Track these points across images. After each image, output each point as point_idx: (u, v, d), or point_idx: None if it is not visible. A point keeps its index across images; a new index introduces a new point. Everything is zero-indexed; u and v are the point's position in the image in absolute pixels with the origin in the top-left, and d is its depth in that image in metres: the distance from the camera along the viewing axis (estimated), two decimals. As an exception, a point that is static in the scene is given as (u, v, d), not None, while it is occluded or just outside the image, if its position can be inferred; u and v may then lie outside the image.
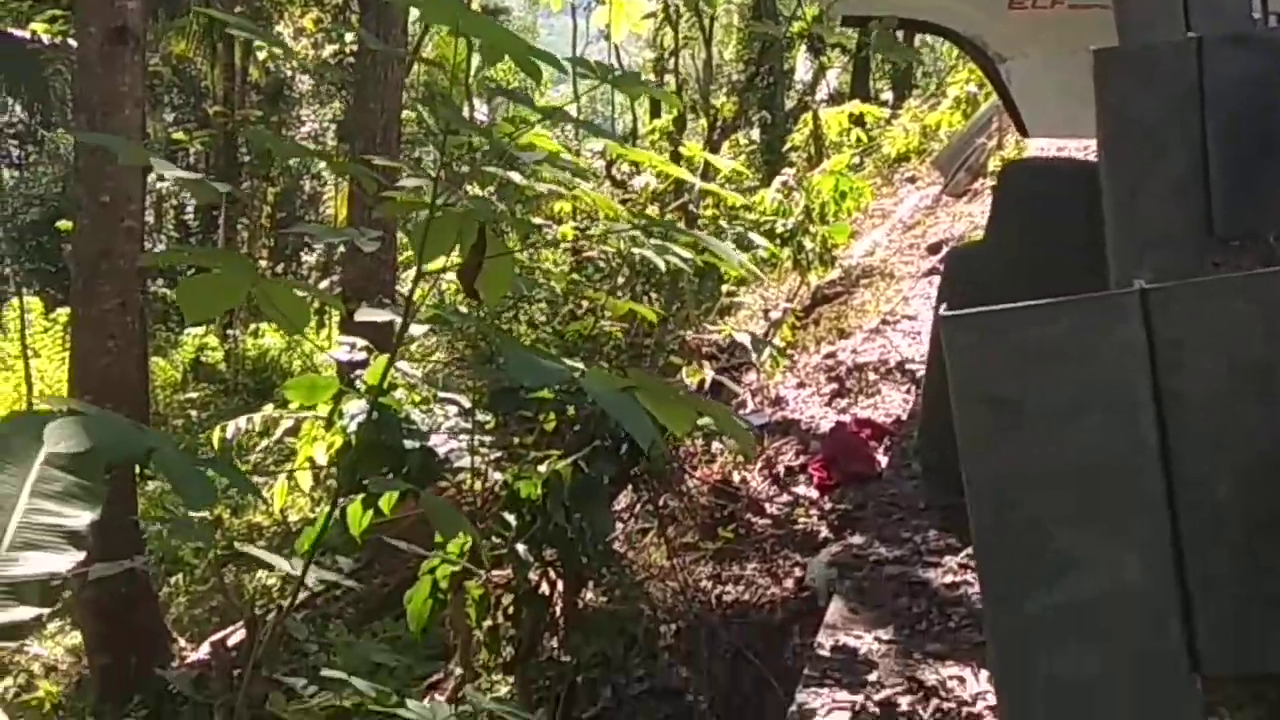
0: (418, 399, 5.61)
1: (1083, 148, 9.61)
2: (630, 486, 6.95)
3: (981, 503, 2.17)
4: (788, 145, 21.95)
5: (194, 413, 21.22)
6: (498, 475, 5.69)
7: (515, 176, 3.94)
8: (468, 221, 3.40)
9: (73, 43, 11.81)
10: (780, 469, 7.43)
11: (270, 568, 4.74)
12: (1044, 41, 7.84)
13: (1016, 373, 2.12)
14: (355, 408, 5.24)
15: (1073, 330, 2.11)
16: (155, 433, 3.47)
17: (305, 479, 6.43)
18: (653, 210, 10.03)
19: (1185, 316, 2.12)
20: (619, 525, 6.59)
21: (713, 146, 16.77)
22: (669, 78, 18.06)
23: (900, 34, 9.89)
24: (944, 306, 2.51)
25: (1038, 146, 10.07)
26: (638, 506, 7.01)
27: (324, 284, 15.87)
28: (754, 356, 9.40)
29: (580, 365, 3.38)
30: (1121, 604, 2.11)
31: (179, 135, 24.70)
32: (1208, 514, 2.09)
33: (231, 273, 3.24)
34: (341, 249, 12.77)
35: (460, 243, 3.42)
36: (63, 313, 20.90)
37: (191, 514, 4.69)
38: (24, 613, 3.48)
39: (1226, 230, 4.23)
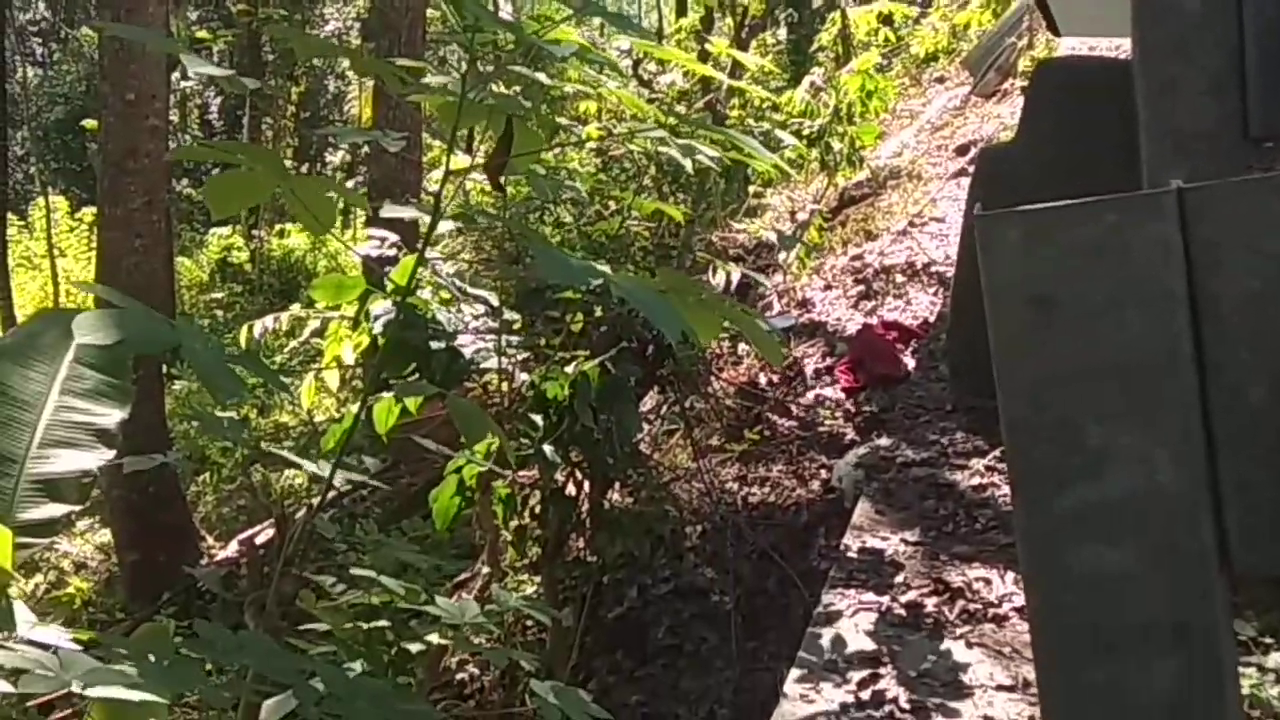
0: (445, 298, 5.58)
1: (1115, 47, 9.53)
2: (656, 388, 6.95)
3: (1015, 402, 2.17)
4: (815, 45, 21.72)
5: (220, 313, 21.28)
6: (524, 376, 5.69)
7: (541, 77, 3.90)
8: (495, 116, 3.38)
9: (95, -62, 11.75)
10: (808, 371, 7.43)
11: (298, 467, 4.75)
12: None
13: (1055, 271, 2.11)
14: (382, 308, 5.23)
15: (1111, 229, 2.10)
16: (181, 328, 3.47)
17: (332, 379, 6.44)
18: (680, 109, 9.97)
19: (1222, 216, 2.12)
20: (645, 427, 6.60)
21: (740, 45, 16.66)
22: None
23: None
24: (977, 207, 2.50)
25: (1069, 46, 9.97)
26: (664, 408, 7.02)
27: (349, 184, 15.81)
28: (781, 257, 9.38)
29: (606, 267, 3.37)
30: (1153, 501, 2.12)
31: (202, 34, 24.51)
32: (1243, 417, 2.09)
33: (259, 169, 3.22)
34: (366, 149, 12.65)
35: (486, 138, 3.41)
36: (88, 212, 20.86)
37: (220, 412, 4.71)
38: (56, 509, 3.50)
39: (1263, 131, 4.20)
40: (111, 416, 3.53)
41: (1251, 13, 4.08)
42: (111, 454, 3.53)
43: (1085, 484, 2.12)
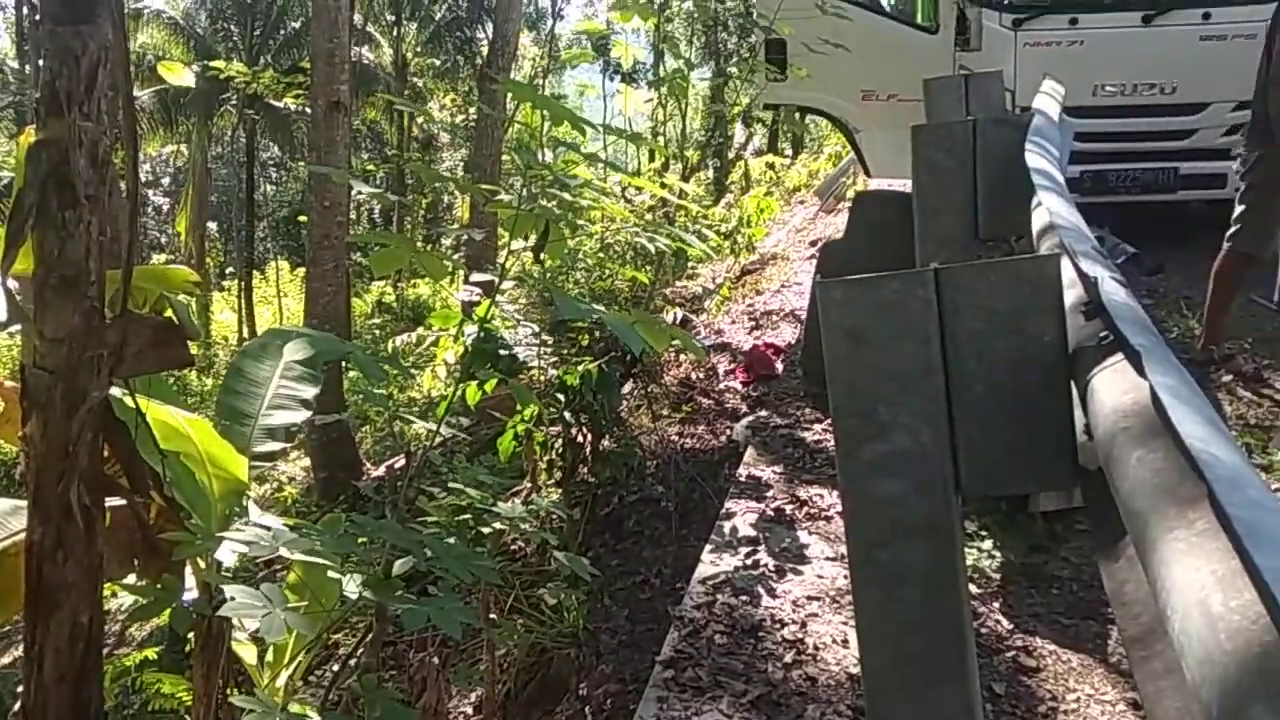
0: (508, 325, 5.59)
1: (905, 184, 9.58)
2: (631, 379, 6.96)
3: (838, 393, 2.18)
4: (729, 180, 21.79)
5: (377, 331, 21.26)
6: (553, 371, 5.68)
7: (565, 195, 3.89)
8: (538, 220, 3.39)
9: (308, 110, 11.73)
10: (720, 371, 7.43)
11: (419, 423, 4.76)
12: (882, 119, 7.77)
13: (862, 316, 2.12)
14: (471, 329, 5.23)
15: (895, 291, 2.12)
16: (352, 343, 3.46)
17: (441, 371, 6.44)
18: (648, 216, 9.99)
19: (960, 285, 2.13)
20: (624, 402, 6.59)
21: (684, 179, 16.65)
22: (659, 137, 17.93)
23: (797, 114, 9.81)
24: (818, 276, 2.53)
25: (878, 183, 9.99)
26: (635, 391, 7.01)
27: (455, 256, 15.86)
28: (706, 304, 9.40)
29: (602, 308, 3.37)
30: (917, 453, 2.14)
31: (370, 167, 24.49)
32: (969, 403, 2.11)
33: (401, 247, 3.24)
34: (465, 236, 12.68)
35: (534, 232, 3.41)
36: (300, 271, 20.88)
37: (374, 389, 4.69)
38: (275, 446, 3.49)
39: (987, 234, 4.23)
40: (309, 391, 3.53)
41: (981, 167, 4.10)
42: (310, 413, 3.53)
43: (877, 442, 2.13)
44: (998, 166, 4.01)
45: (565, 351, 6.10)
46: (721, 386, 7.07)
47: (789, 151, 23.56)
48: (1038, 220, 2.97)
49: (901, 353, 2.19)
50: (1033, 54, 6.89)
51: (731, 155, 23.52)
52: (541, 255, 3.46)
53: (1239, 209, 5.14)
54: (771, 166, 19.12)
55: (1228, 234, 5.15)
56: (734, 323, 8.68)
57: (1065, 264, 2.27)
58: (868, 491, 2.21)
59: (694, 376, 7.33)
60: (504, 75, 13.45)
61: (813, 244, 11.49)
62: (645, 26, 7.08)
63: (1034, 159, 3.46)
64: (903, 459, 2.19)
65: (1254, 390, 5.10)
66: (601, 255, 7.26)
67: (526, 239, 3.40)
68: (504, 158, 13.19)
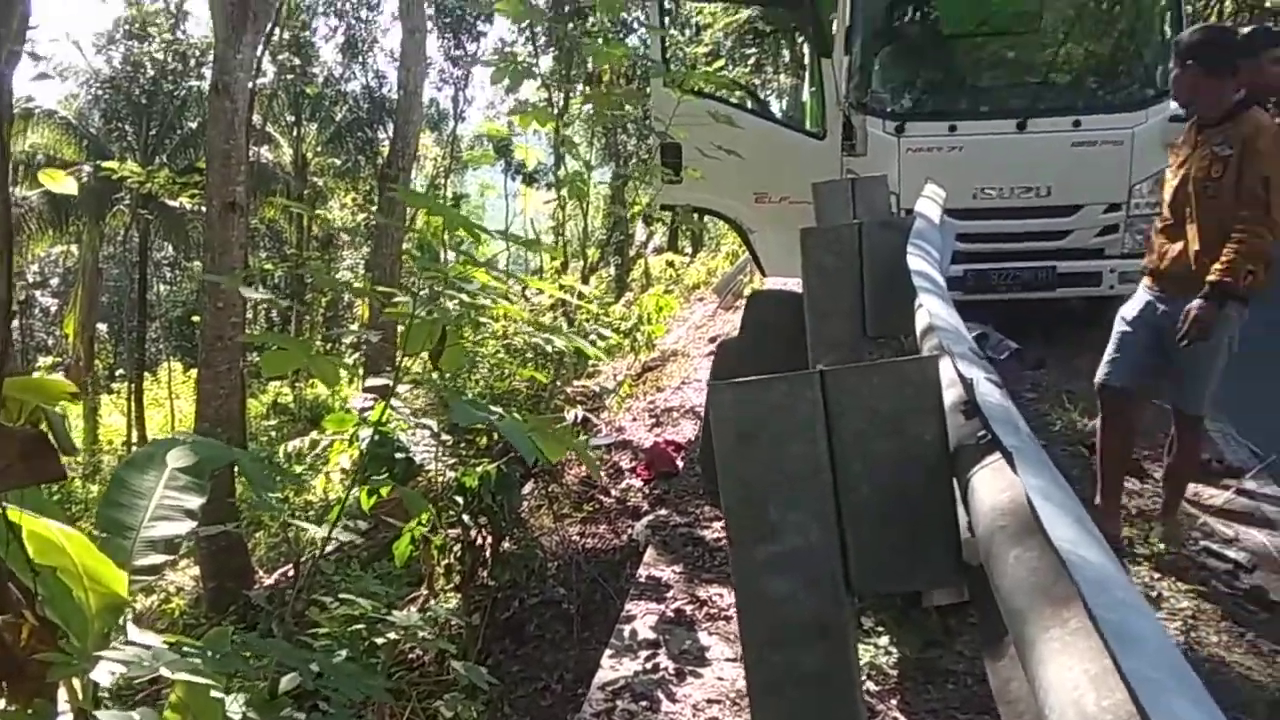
0: (405, 427, 5.50)
1: (799, 283, 9.78)
2: (532, 479, 6.89)
3: (730, 493, 2.19)
4: (630, 278, 22.07)
5: (273, 434, 20.75)
6: (451, 473, 5.60)
7: (463, 296, 3.89)
8: (436, 324, 3.37)
9: (203, 209, 11.59)
10: (623, 467, 7.40)
11: (314, 527, 4.65)
12: (774, 221, 7.96)
13: (752, 417, 2.15)
14: (366, 433, 5.13)
15: (784, 393, 2.14)
16: (239, 450, 3.38)
17: (336, 475, 6.29)
18: (548, 316, 10.04)
19: (845, 386, 2.17)
20: (525, 502, 6.51)
21: (585, 278, 16.81)
22: (560, 236, 18.08)
23: (695, 214, 10.02)
24: (709, 377, 2.55)
25: (772, 282, 10.20)
26: (536, 491, 6.93)
27: (353, 357, 15.62)
28: (607, 401, 9.41)
29: (499, 410, 3.35)
30: (808, 552, 2.15)
31: (268, 266, 24.19)
32: (857, 503, 2.13)
33: (296, 349, 3.20)
34: (365, 337, 12.55)
35: (431, 336, 3.39)
36: (194, 372, 20.35)
37: (266, 496, 4.56)
38: (157, 559, 3.35)
39: (875, 333, 4.32)
40: (194, 501, 3.41)
41: (867, 268, 4.21)
42: (195, 524, 3.41)
43: (769, 542, 2.14)
44: (883, 268, 4.13)
45: (464, 453, 6.03)
46: (623, 484, 7.04)
47: (689, 249, 24.02)
48: (920, 321, 3.05)
49: (790, 453, 2.22)
50: (915, 159, 7.17)
51: (632, 253, 23.88)
52: (440, 360, 3.45)
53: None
54: (671, 264, 19.48)
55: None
56: (635, 420, 8.69)
57: (945, 365, 2.33)
58: (760, 591, 2.22)
59: (596, 475, 7.29)
60: (404, 175, 13.50)
61: (712, 340, 11.64)
62: (545, 130, 7.18)
63: (915, 261, 3.58)
64: (793, 558, 2.20)
65: (1138, 478, 5.24)
66: (501, 355, 7.24)
67: (424, 344, 3.38)
68: (405, 258, 13.16)
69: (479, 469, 5.46)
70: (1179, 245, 4.29)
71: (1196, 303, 4.02)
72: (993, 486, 1.82)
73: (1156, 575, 4.35)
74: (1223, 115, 4.14)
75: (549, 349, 5.17)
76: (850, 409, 2.17)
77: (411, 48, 13.21)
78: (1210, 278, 4.01)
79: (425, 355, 3.56)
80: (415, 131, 14.19)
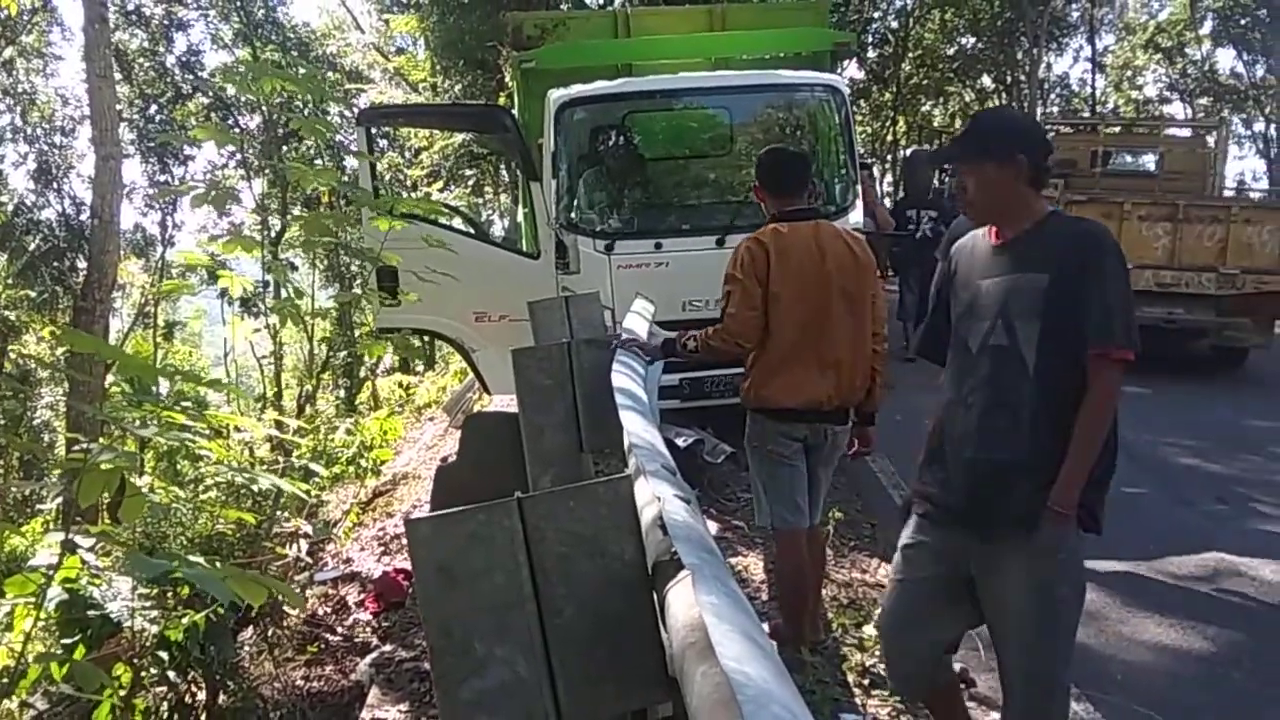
0: (98, 582, 5.02)
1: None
2: (251, 624, 6.44)
3: (432, 630, 2.13)
4: (359, 400, 21.54)
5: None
6: (154, 627, 5.12)
7: (178, 430, 3.65)
8: (114, 474, 3.12)
9: None
10: (350, 601, 7.05)
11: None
12: (495, 339, 8.00)
13: (451, 549, 2.11)
14: (55, 592, 4.64)
15: (482, 524, 2.12)
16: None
17: (17, 644, 5.64)
18: (263, 452, 9.56)
19: (542, 512, 2.18)
20: (243, 649, 6.06)
21: (300, 408, 16.22)
22: (278, 365, 17.46)
23: (412, 337, 9.92)
24: (429, 504, 2.48)
25: (498, 400, 10.21)
26: (255, 636, 6.47)
27: (55, 501, 14.27)
28: (335, 532, 9.01)
29: (199, 558, 3.13)
30: (516, 687, 2.10)
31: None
32: (562, 629, 2.12)
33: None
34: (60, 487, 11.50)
35: (110, 485, 3.13)
36: None
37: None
38: None
39: (590, 448, 4.38)
40: None
41: (579, 385, 4.29)
42: None
43: (476, 679, 2.08)
44: (593, 384, 4.21)
45: (169, 603, 5.55)
46: (351, 620, 6.71)
47: (420, 368, 23.74)
48: (626, 438, 3.12)
49: (493, 584, 2.17)
50: (625, 274, 7.44)
51: (363, 374, 23.32)
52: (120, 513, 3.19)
53: None
54: (402, 385, 19.14)
55: None
56: (364, 549, 8.37)
57: (640, 483, 2.38)
58: (465, 732, 2.14)
59: (321, 612, 6.92)
60: (102, 306, 12.64)
61: (444, 459, 11.45)
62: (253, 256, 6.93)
63: (618, 378, 3.67)
64: (501, 694, 2.14)
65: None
66: (210, 496, 6.79)
67: (101, 494, 3.11)
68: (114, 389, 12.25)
69: (184, 619, 5.04)
70: None
71: None
72: (684, 602, 1.85)
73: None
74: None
75: (253, 489, 4.90)
76: (550, 534, 2.16)
77: (106, 175, 12.50)
78: None
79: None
80: (114, 260, 13.36)
